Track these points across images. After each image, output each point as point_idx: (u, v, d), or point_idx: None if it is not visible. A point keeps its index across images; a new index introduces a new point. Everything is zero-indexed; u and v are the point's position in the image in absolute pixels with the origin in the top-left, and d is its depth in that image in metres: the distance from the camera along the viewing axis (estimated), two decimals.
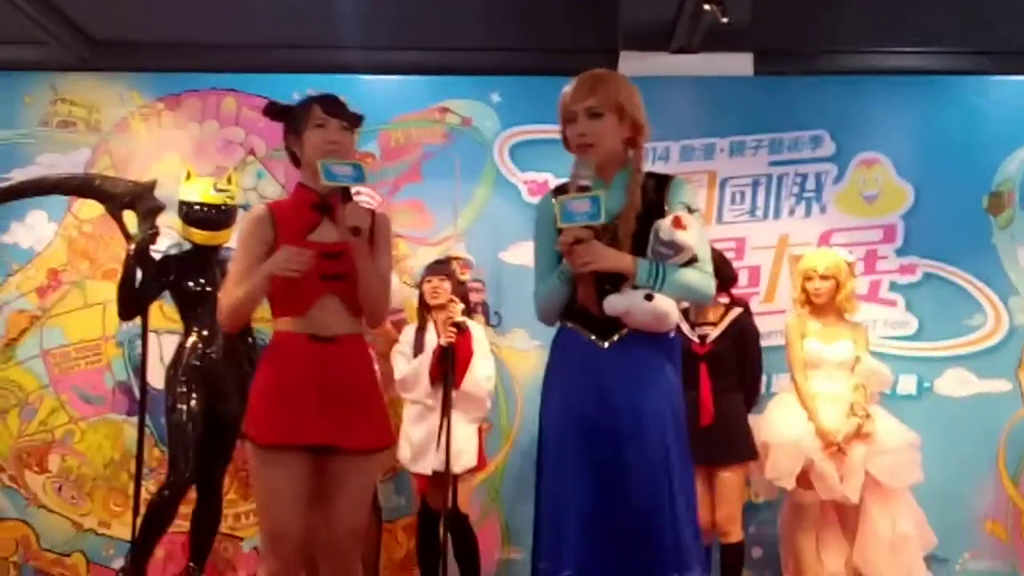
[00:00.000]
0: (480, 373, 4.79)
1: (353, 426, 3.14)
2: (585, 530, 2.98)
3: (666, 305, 3.00)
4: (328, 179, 3.08)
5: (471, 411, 4.82)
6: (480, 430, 4.95)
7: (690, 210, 3.07)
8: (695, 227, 3.03)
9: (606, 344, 3.07)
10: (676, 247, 3.00)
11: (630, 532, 2.95)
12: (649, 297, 2.99)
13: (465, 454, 4.77)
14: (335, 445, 3.11)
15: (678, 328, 4.70)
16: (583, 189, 3.03)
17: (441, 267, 4.92)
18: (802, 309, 5.01)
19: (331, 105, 3.24)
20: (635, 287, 3.01)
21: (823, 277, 4.90)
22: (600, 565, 2.97)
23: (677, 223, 2.99)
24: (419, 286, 4.93)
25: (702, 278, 3.09)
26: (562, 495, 3.05)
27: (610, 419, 3.00)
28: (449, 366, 4.64)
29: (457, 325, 4.66)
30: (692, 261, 3.06)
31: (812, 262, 4.98)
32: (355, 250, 3.13)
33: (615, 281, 3.03)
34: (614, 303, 3.02)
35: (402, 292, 5.16)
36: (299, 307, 3.14)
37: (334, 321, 3.17)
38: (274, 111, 3.36)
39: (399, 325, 5.04)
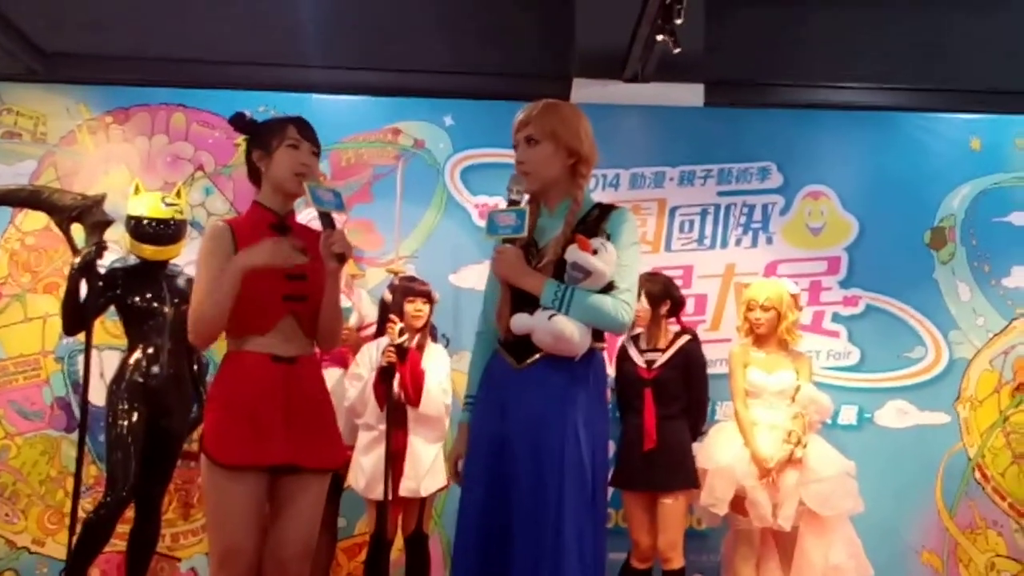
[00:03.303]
0: (434, 390, 4.71)
1: (312, 445, 3.17)
2: (483, 550, 3.02)
3: (564, 326, 3.00)
4: (316, 204, 3.12)
5: (431, 430, 4.76)
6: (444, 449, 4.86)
7: (609, 238, 3.09)
8: (611, 253, 3.05)
9: (520, 367, 3.10)
10: (582, 269, 3.02)
11: (519, 556, 2.97)
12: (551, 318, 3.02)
13: (431, 475, 4.72)
14: (296, 464, 3.13)
15: (625, 354, 4.82)
16: (513, 203, 3.09)
17: (422, 288, 4.88)
18: (745, 338, 5.06)
19: (305, 128, 3.28)
20: (544, 308, 3.04)
21: (764, 308, 4.95)
22: None
23: (582, 245, 3.02)
24: (398, 306, 4.81)
25: (614, 304, 3.05)
26: (469, 514, 3.09)
27: (509, 441, 3.03)
28: (388, 388, 4.62)
29: (397, 347, 4.63)
30: (611, 288, 3.08)
31: (754, 292, 5.03)
32: (331, 276, 3.17)
33: (534, 304, 3.06)
34: (519, 322, 3.06)
35: (372, 307, 5.14)
36: (260, 327, 3.16)
37: (293, 342, 3.21)
38: (241, 123, 3.34)
39: (367, 340, 5.00)
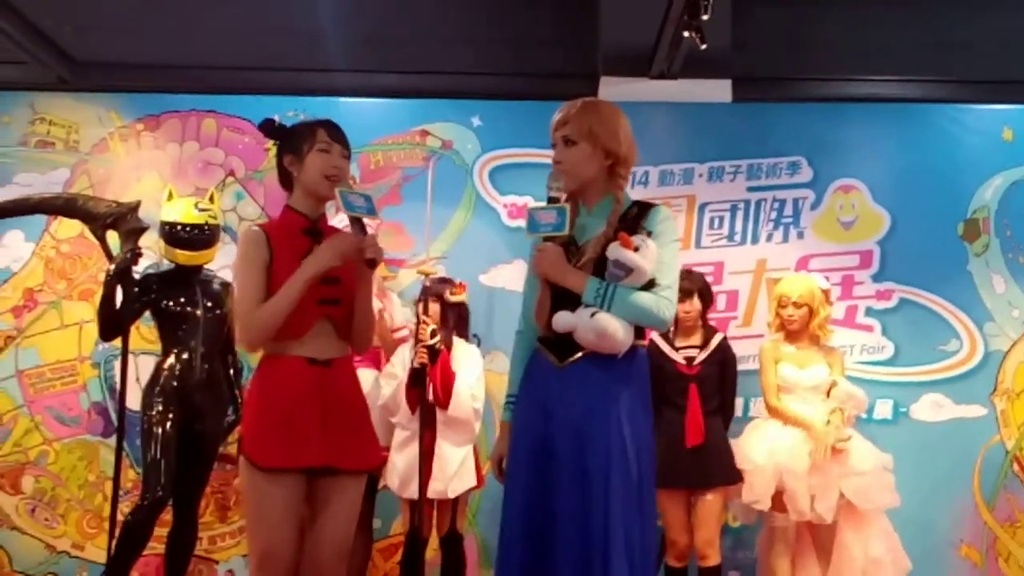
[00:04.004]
0: (463, 393, 4.71)
1: (349, 447, 3.20)
2: (527, 550, 3.03)
3: (606, 323, 3.00)
4: (348, 209, 3.15)
5: (459, 433, 4.75)
6: (476, 449, 4.84)
7: (649, 234, 3.09)
8: (651, 250, 3.05)
9: (562, 365, 3.10)
10: (624, 266, 3.02)
11: (565, 556, 2.97)
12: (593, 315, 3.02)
13: (459, 477, 4.71)
14: (333, 466, 3.16)
15: (658, 350, 4.81)
16: (552, 201, 3.10)
17: (435, 288, 4.88)
18: (777, 334, 5.04)
19: (335, 131, 3.28)
20: (586, 306, 3.05)
21: (796, 304, 4.94)
22: None
23: (624, 242, 3.02)
24: (417, 306, 4.86)
25: (656, 301, 3.06)
26: (513, 513, 3.10)
27: (553, 439, 3.04)
28: (422, 389, 4.63)
29: (429, 348, 4.64)
30: (652, 285, 3.08)
31: (786, 289, 5.01)
32: (362, 280, 3.23)
33: (575, 302, 3.07)
34: (561, 320, 3.07)
35: (402, 310, 5.17)
36: (296, 331, 3.17)
37: (328, 345, 3.23)
38: (270, 129, 3.35)
39: (400, 341, 5.02)
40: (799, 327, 4.95)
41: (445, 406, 4.68)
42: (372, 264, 3.17)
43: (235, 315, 3.18)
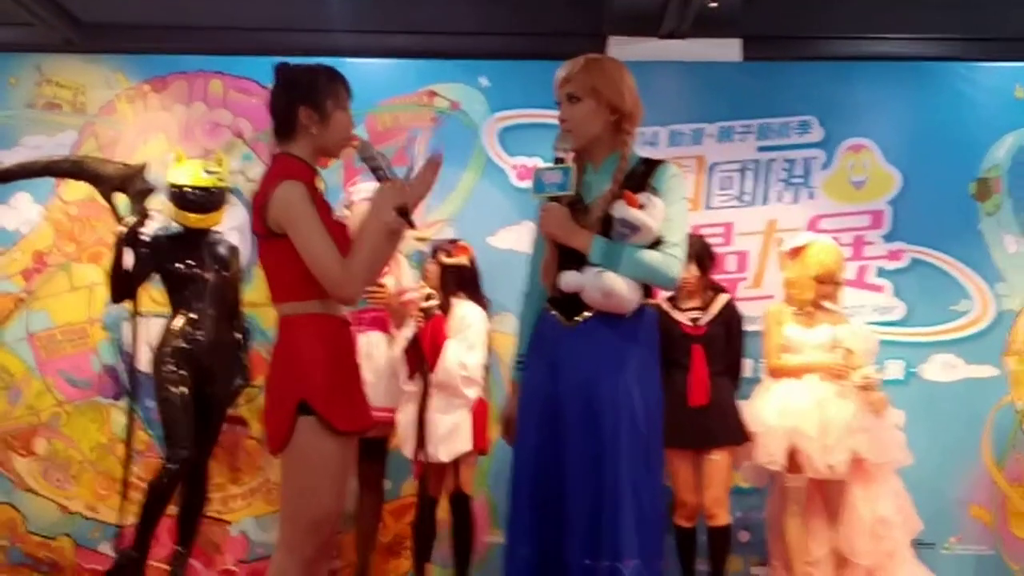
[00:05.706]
0: (450, 358, 4.67)
1: (367, 406, 3.16)
2: (536, 508, 3.05)
3: (613, 283, 3.01)
4: (391, 173, 3.05)
5: (449, 398, 4.71)
6: (475, 412, 4.77)
7: (655, 192, 3.08)
8: (658, 208, 3.04)
9: (570, 324, 3.10)
10: (630, 225, 3.02)
11: (574, 514, 2.99)
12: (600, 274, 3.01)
13: (449, 442, 4.69)
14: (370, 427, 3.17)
15: (664, 312, 4.80)
16: (559, 161, 3.10)
17: (437, 250, 4.90)
18: (808, 306, 4.96)
19: (348, 87, 3.14)
20: (592, 265, 3.04)
21: (836, 282, 4.90)
22: (550, 545, 3.02)
23: (629, 200, 3.01)
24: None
25: (664, 259, 3.06)
26: (522, 473, 3.11)
27: (561, 399, 3.05)
28: (416, 353, 4.64)
29: (423, 311, 4.63)
30: (660, 243, 3.06)
31: (831, 265, 4.92)
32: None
33: (582, 261, 3.07)
34: (568, 279, 3.08)
35: (410, 273, 5.17)
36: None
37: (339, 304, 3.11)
38: (285, 73, 3.15)
39: (406, 304, 4.97)
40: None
41: (432, 368, 4.68)
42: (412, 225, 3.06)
43: (319, 267, 2.90)
